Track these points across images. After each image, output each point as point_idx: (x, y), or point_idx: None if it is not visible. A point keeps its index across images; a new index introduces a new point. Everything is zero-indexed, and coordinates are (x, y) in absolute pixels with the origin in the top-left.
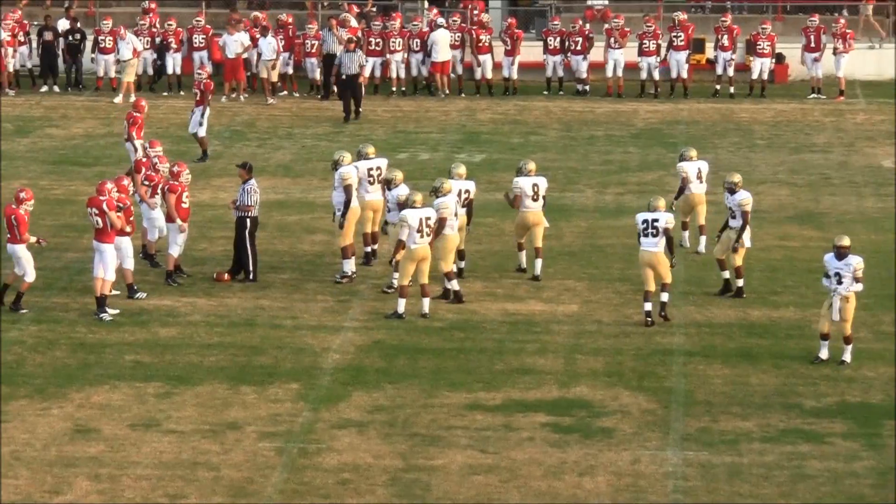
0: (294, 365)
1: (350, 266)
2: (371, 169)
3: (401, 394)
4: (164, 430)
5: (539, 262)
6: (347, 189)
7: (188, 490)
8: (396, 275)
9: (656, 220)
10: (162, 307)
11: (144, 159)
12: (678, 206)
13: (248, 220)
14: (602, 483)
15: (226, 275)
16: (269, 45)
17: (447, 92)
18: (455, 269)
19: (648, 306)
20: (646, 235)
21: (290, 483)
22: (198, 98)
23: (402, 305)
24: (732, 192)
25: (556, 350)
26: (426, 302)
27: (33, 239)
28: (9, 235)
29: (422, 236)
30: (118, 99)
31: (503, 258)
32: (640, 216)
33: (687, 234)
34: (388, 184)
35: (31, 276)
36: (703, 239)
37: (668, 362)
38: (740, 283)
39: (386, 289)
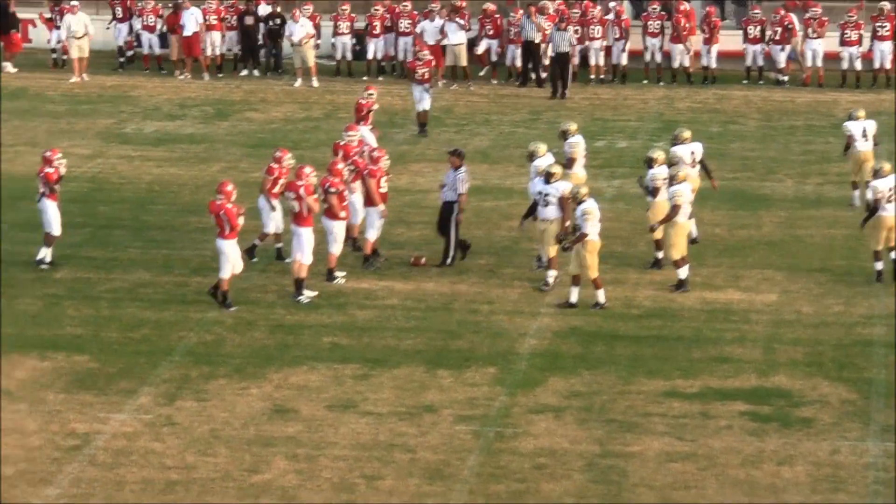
0: (490, 349)
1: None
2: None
3: (597, 380)
4: (361, 412)
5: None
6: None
7: (385, 471)
8: (552, 272)
9: (891, 187)
10: (359, 290)
11: (342, 141)
12: (849, 163)
13: (455, 206)
14: (801, 473)
15: (423, 259)
16: (459, 30)
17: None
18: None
19: (880, 265)
20: (889, 201)
21: (487, 467)
22: (421, 77)
23: (601, 295)
24: None
25: (755, 339)
26: (601, 293)
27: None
28: (218, 230)
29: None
30: (315, 83)
31: (703, 246)
32: (883, 183)
33: (857, 192)
34: (548, 176)
35: (226, 273)
36: (856, 194)
37: (868, 353)
38: None
39: (543, 286)
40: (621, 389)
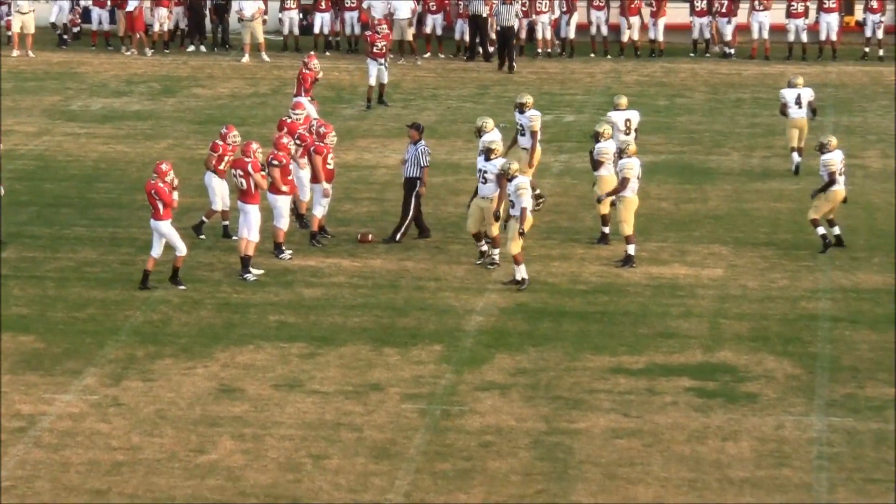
0: (437, 327)
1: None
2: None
3: (544, 356)
4: (307, 391)
5: None
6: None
7: (331, 450)
8: (496, 250)
9: (842, 160)
10: (306, 268)
11: (288, 120)
12: (786, 131)
13: (419, 182)
14: (746, 448)
15: (370, 236)
16: (406, 5)
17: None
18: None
19: (822, 230)
20: (841, 174)
21: (433, 445)
22: (379, 51)
23: (521, 271)
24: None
25: (701, 314)
26: (521, 269)
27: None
28: (152, 211)
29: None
30: (265, 57)
31: (648, 220)
32: (835, 156)
33: (797, 155)
34: (487, 153)
35: (182, 250)
36: (796, 156)
37: (813, 327)
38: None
39: (489, 264)
40: (567, 366)
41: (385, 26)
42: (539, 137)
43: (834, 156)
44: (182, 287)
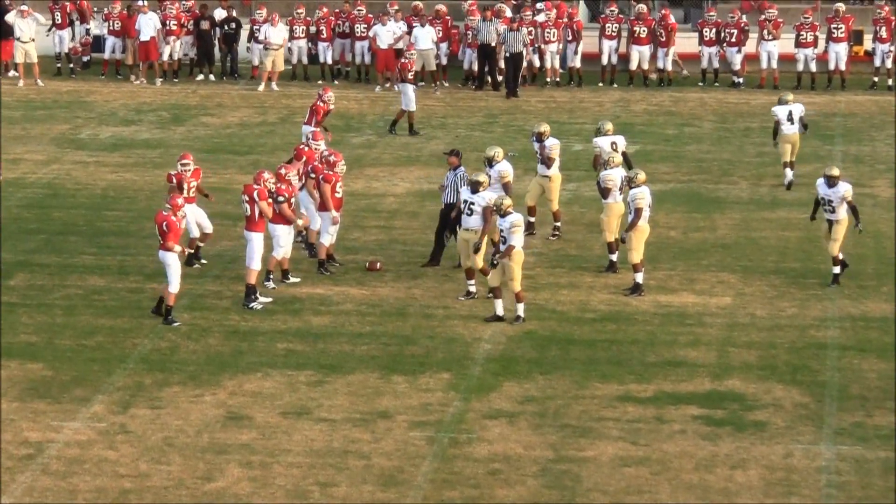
0: (445, 355)
1: None
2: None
3: (552, 384)
4: (315, 419)
5: None
6: (506, 186)
7: (339, 478)
8: (471, 282)
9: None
10: (314, 296)
11: (306, 148)
12: (778, 147)
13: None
14: (754, 476)
15: (378, 264)
16: (427, 34)
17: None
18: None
19: (837, 270)
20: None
21: (441, 473)
22: (413, 76)
23: (521, 309)
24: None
25: (709, 342)
26: (521, 307)
27: (178, 249)
28: (161, 241)
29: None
30: (275, 87)
31: (657, 249)
32: (847, 186)
33: (789, 171)
34: (475, 185)
35: (174, 287)
36: (789, 172)
37: (821, 356)
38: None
39: (462, 297)
40: (575, 394)
41: (414, 52)
42: (556, 164)
43: (846, 186)
44: (176, 324)
